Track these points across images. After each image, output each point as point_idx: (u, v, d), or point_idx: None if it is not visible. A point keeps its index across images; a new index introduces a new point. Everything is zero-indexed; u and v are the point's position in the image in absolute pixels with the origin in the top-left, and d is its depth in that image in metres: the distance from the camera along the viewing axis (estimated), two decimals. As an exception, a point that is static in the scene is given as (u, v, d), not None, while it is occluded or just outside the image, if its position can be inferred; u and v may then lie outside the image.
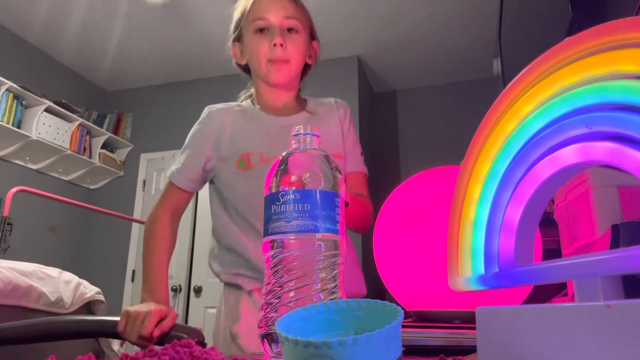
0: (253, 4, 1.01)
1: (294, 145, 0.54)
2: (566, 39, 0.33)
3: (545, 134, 0.34)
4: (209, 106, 1.08)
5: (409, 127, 4.25)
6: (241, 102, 1.13)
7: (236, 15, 1.06)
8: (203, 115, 1.07)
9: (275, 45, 0.96)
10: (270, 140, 1.00)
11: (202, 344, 0.76)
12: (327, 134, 1.03)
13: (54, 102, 3.48)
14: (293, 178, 0.50)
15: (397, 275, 0.79)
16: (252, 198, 0.96)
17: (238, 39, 1.06)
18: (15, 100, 3.27)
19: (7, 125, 3.16)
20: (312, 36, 1.08)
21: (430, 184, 0.80)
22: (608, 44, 0.30)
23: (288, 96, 1.07)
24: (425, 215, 0.75)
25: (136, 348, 0.65)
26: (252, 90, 1.11)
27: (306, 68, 1.09)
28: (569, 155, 0.32)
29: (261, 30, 0.99)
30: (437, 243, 0.72)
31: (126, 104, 4.37)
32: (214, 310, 3.42)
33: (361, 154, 1.18)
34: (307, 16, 1.06)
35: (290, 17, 0.99)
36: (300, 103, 1.11)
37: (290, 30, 1.00)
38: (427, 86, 4.28)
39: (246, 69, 1.09)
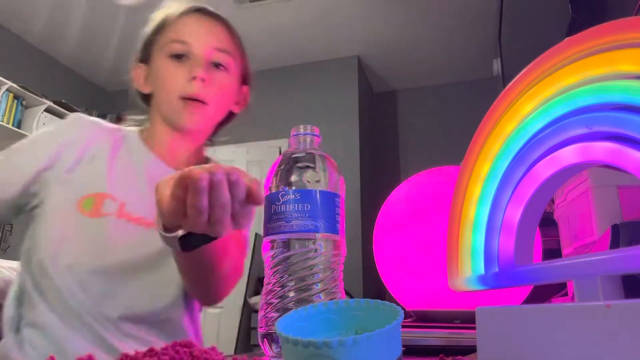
0: (174, 22, 0.79)
1: (293, 145, 0.54)
2: (566, 39, 0.33)
3: (545, 134, 0.34)
4: (79, 114, 0.83)
5: (409, 127, 4.26)
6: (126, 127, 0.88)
7: (147, 29, 0.83)
8: (66, 120, 0.81)
9: (194, 78, 0.74)
10: (144, 191, 0.76)
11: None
12: None
13: (54, 102, 3.48)
14: (293, 178, 0.50)
15: (397, 275, 0.79)
16: (75, 267, 0.69)
17: (144, 59, 0.83)
18: (16, 100, 3.27)
19: (7, 125, 3.17)
20: (245, 80, 0.87)
21: (430, 184, 0.80)
22: (608, 44, 0.30)
23: (192, 147, 0.83)
24: (425, 215, 0.75)
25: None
26: (147, 125, 0.86)
27: (228, 117, 0.87)
28: (569, 155, 0.32)
29: (178, 56, 0.76)
30: (437, 243, 0.73)
31: (126, 104, 4.37)
32: (214, 310, 3.42)
33: None
34: (242, 53, 0.85)
35: (221, 50, 0.78)
36: (200, 160, 0.86)
37: (217, 66, 0.78)
38: (427, 86, 4.28)
39: (146, 97, 0.85)
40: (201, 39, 0.78)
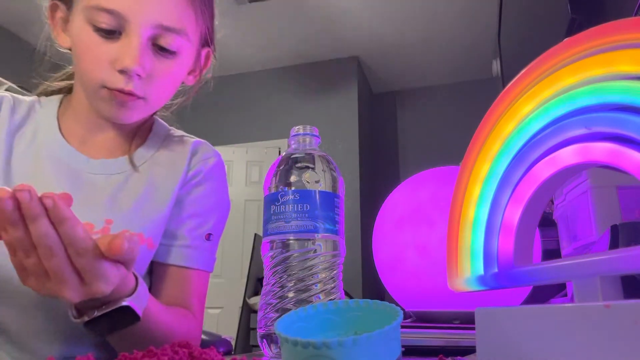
0: None
1: (293, 146, 0.54)
2: (565, 39, 0.33)
3: (545, 134, 0.34)
4: None
5: (408, 128, 4.26)
6: (38, 96, 0.70)
7: None
8: None
9: (123, 72, 0.56)
10: (47, 183, 0.61)
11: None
12: (153, 190, 0.67)
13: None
14: (292, 178, 0.50)
15: (396, 276, 0.79)
16: None
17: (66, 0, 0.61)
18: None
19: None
20: (205, 42, 0.68)
21: (430, 185, 0.80)
22: (607, 44, 0.30)
23: (123, 131, 0.68)
24: (424, 216, 0.75)
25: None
26: (72, 87, 0.69)
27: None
28: (568, 155, 0.32)
29: (106, 31, 0.56)
30: (436, 243, 0.72)
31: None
32: (213, 311, 3.42)
33: (208, 236, 0.70)
34: (204, 12, 0.64)
35: (169, 29, 0.58)
36: (136, 137, 0.70)
37: (162, 50, 0.59)
38: (426, 87, 4.28)
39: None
40: (141, 11, 0.55)
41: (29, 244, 0.37)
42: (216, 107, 3.92)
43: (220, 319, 3.40)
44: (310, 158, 0.52)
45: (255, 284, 2.70)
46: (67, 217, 0.37)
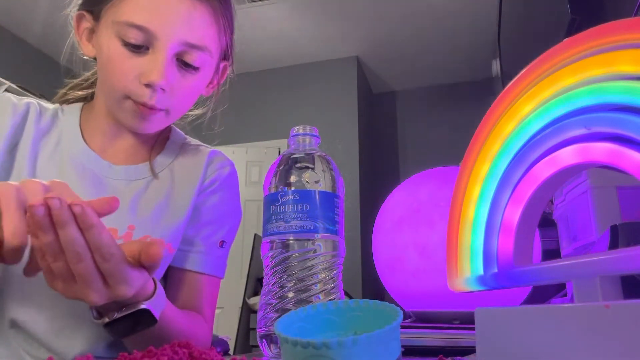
0: None
1: (292, 146, 0.54)
2: (565, 39, 0.33)
3: (545, 134, 0.34)
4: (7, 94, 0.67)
5: (408, 128, 4.26)
6: (60, 103, 0.71)
7: None
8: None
9: (149, 86, 0.58)
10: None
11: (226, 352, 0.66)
12: (172, 197, 0.69)
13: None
14: (292, 178, 0.50)
15: (396, 276, 0.79)
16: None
17: (90, 9, 0.62)
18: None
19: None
20: (225, 56, 0.71)
21: (430, 185, 0.80)
22: (607, 44, 0.30)
23: (142, 139, 0.70)
24: (424, 216, 0.75)
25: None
26: (93, 95, 0.70)
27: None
28: (568, 155, 0.32)
29: (134, 46, 0.57)
30: (436, 243, 0.72)
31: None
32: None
33: (221, 243, 0.72)
34: (226, 30, 0.67)
35: (194, 46, 0.60)
36: (155, 146, 0.72)
37: (186, 65, 0.61)
38: (426, 87, 4.28)
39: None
40: (169, 29, 0.57)
41: (58, 249, 0.39)
42: (215, 107, 3.91)
43: (220, 319, 3.40)
44: (310, 158, 0.52)
45: (255, 284, 2.70)
46: (94, 224, 0.38)
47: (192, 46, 0.60)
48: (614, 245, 0.53)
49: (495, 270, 0.37)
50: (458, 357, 0.42)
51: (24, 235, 0.39)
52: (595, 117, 0.30)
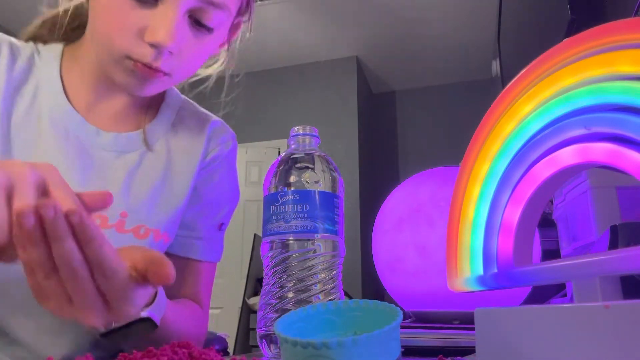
0: None
1: (292, 146, 0.54)
2: (565, 40, 0.33)
3: (544, 134, 0.34)
4: None
5: (408, 128, 4.26)
6: (34, 42, 0.59)
7: None
8: None
9: (154, 46, 0.49)
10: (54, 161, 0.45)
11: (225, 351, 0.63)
12: (169, 178, 0.61)
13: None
14: (292, 179, 0.50)
15: (395, 276, 0.79)
16: None
17: None
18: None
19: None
20: (241, 11, 0.60)
21: (429, 185, 0.80)
22: (607, 45, 0.30)
23: (135, 100, 0.61)
24: (424, 216, 0.75)
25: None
26: (78, 33, 0.59)
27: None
28: (568, 156, 0.32)
29: None
30: (436, 244, 0.72)
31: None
32: (213, 311, 3.41)
33: (220, 225, 0.67)
34: None
35: (213, 3, 0.51)
36: (148, 111, 0.62)
37: (199, 25, 0.52)
38: (426, 87, 4.28)
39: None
40: None
41: (50, 265, 0.32)
42: (215, 107, 3.92)
43: (220, 319, 3.40)
44: (310, 158, 0.52)
45: (254, 284, 2.70)
46: (95, 237, 0.32)
47: (210, 2, 0.51)
48: (613, 245, 0.53)
49: (495, 270, 0.37)
50: (458, 357, 0.42)
51: (2, 232, 0.31)
52: (595, 117, 0.30)
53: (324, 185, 0.50)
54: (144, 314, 0.41)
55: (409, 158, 4.16)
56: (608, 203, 0.68)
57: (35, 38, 0.60)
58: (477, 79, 4.02)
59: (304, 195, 0.49)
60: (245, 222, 3.50)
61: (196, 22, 0.52)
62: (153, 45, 0.49)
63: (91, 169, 0.56)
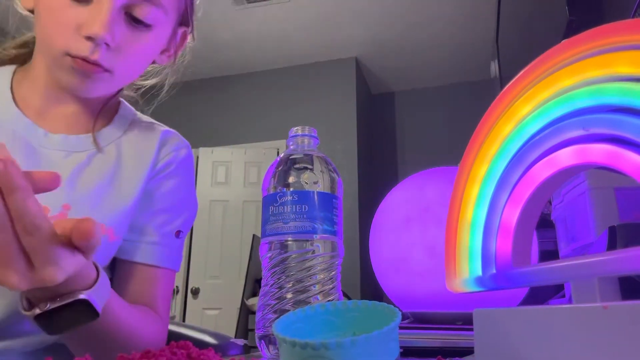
0: None
1: (291, 147, 0.54)
2: (563, 41, 0.33)
3: (543, 135, 0.34)
4: None
5: (406, 129, 4.26)
6: None
7: None
8: None
9: (90, 39, 0.52)
10: None
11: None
12: (118, 178, 0.62)
13: None
14: (291, 179, 0.50)
15: (394, 277, 0.79)
16: None
17: None
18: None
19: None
20: (184, 21, 0.64)
21: (428, 185, 0.80)
22: (605, 46, 0.30)
23: (86, 107, 0.62)
24: (422, 217, 0.75)
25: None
26: (25, 58, 0.63)
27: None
28: (566, 157, 0.32)
29: None
30: (434, 244, 0.73)
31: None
32: (212, 312, 3.41)
33: (178, 233, 0.66)
34: None
35: (149, 1, 0.54)
36: (100, 115, 0.64)
37: (136, 21, 0.55)
38: (425, 88, 4.29)
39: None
40: None
41: None
42: (215, 108, 3.92)
43: (219, 320, 3.40)
44: (309, 159, 0.52)
45: (253, 285, 2.70)
46: (19, 187, 0.30)
47: None
48: (612, 246, 0.54)
49: (494, 271, 0.37)
50: (456, 358, 0.42)
51: None
52: (593, 118, 0.30)
53: (322, 186, 0.50)
54: (82, 296, 0.39)
55: (407, 159, 4.17)
56: (606, 204, 0.68)
57: None
58: (475, 80, 4.03)
59: (303, 196, 0.49)
60: (243, 222, 3.50)
61: (133, 19, 0.55)
62: (89, 38, 0.52)
63: (36, 165, 0.56)
